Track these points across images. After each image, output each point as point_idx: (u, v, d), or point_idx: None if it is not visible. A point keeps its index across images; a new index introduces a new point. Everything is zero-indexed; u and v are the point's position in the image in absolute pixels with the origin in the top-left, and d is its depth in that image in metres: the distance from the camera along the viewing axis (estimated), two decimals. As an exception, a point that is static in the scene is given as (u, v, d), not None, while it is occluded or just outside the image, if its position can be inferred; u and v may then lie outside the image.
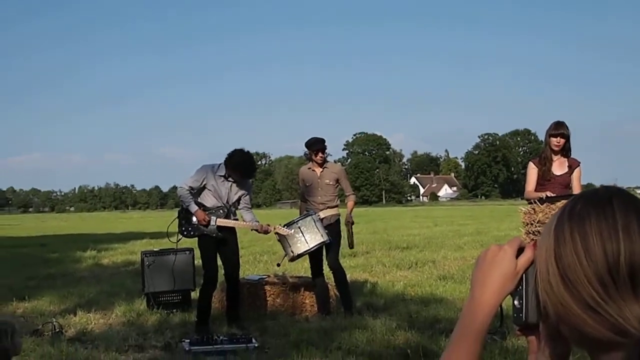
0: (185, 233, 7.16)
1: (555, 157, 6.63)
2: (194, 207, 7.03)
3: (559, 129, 6.56)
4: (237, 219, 7.33)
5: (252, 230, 7.36)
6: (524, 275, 1.10)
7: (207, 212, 7.07)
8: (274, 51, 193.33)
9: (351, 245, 7.98)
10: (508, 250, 1.11)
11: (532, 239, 6.07)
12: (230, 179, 7.15)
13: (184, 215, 7.14)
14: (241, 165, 7.10)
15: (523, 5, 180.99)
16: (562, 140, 6.55)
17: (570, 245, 1.00)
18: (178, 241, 7.40)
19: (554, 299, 1.02)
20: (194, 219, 7.06)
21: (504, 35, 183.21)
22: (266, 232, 7.25)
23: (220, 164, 7.16)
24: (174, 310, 8.05)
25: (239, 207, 7.30)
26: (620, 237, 0.97)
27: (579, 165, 6.66)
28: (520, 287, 1.10)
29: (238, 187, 7.24)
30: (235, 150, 7.13)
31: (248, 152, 7.20)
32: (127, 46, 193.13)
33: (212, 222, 7.05)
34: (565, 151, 6.63)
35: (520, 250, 1.12)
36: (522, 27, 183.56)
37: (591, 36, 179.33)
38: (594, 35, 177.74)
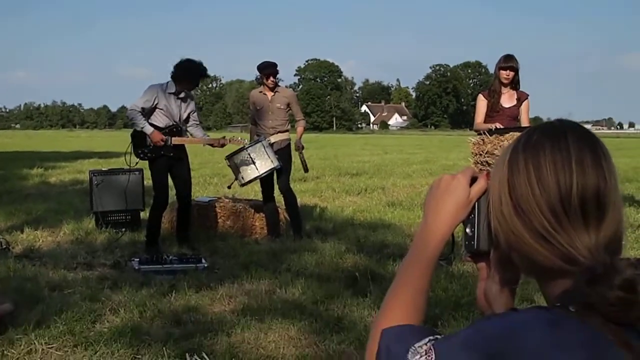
0: (142, 156, 6.98)
1: (504, 90, 6.71)
2: (149, 129, 6.84)
3: (508, 61, 6.63)
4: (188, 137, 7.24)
5: (205, 145, 7.32)
6: (476, 204, 1.11)
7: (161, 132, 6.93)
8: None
9: (306, 169, 7.99)
10: (462, 179, 1.12)
11: (481, 169, 6.17)
12: (180, 94, 7.01)
13: (139, 138, 6.96)
14: (191, 71, 6.97)
15: None
16: (511, 73, 6.61)
17: (524, 175, 1.01)
18: (136, 164, 7.22)
19: (506, 227, 1.03)
20: (149, 140, 6.90)
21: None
22: (222, 145, 7.18)
23: (168, 82, 7.00)
24: (123, 230, 7.99)
25: (188, 124, 7.21)
26: (573, 169, 0.98)
27: (527, 98, 6.77)
28: (472, 216, 1.11)
29: (186, 104, 7.14)
30: (181, 59, 6.99)
31: (194, 59, 7.05)
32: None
33: (168, 142, 6.92)
34: (514, 84, 6.71)
35: (473, 180, 1.13)
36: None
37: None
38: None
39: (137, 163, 7.13)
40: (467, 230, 1.12)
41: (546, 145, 1.01)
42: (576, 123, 1.06)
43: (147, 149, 6.93)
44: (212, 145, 7.21)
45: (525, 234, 1.00)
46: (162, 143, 6.86)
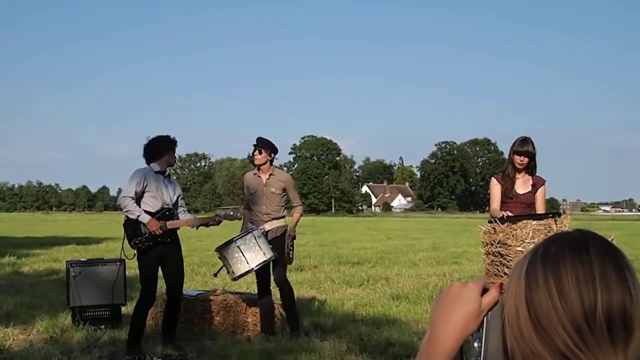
0: (140, 246, 6.94)
1: (518, 175, 6.74)
2: (145, 217, 6.87)
3: (523, 146, 6.66)
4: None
5: (197, 227, 7.38)
6: (485, 317, 1.12)
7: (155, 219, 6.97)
8: (215, 37, 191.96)
9: (289, 261, 7.85)
10: (473, 289, 1.13)
11: (492, 260, 6.19)
12: (166, 173, 7.12)
13: (132, 226, 6.96)
14: (165, 143, 7.12)
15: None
16: (526, 160, 6.65)
17: (545, 290, 1.02)
18: (133, 256, 7.11)
19: (524, 345, 1.04)
20: (144, 229, 6.89)
21: (463, 46, 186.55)
22: (218, 222, 7.22)
23: (151, 164, 7.12)
24: (102, 327, 7.91)
25: (177, 211, 7.27)
26: (597, 285, 0.99)
27: (543, 184, 6.78)
28: (480, 329, 1.11)
29: (174, 185, 7.26)
30: (149, 139, 7.16)
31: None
32: (60, 36, 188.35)
33: (164, 228, 6.95)
34: (529, 169, 6.74)
35: (484, 291, 1.13)
36: (481, 39, 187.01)
37: (555, 52, 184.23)
38: (556, 50, 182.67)
39: (134, 255, 7.05)
40: (475, 344, 1.12)
41: (567, 258, 1.02)
42: (596, 233, 1.08)
43: (143, 238, 6.93)
44: (206, 224, 7.25)
45: (546, 353, 1.01)
46: (161, 231, 6.89)
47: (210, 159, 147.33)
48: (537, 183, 6.76)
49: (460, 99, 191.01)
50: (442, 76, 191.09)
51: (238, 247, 7.31)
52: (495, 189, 6.79)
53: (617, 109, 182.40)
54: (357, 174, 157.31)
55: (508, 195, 6.69)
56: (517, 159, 6.66)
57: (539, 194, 6.77)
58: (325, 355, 6.60)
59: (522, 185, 6.75)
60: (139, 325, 7.00)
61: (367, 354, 6.68)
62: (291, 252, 7.81)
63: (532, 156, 6.68)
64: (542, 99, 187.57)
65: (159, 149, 7.10)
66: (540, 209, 6.74)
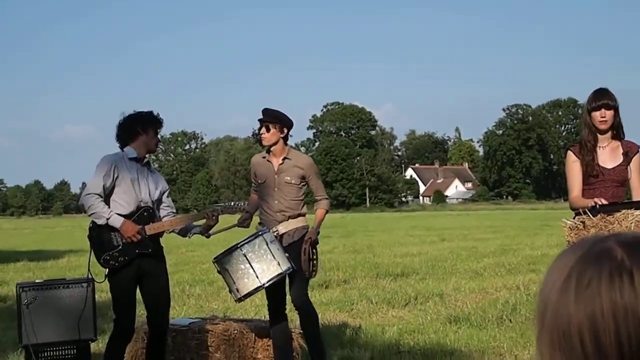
0: (112, 263, 6.91)
1: (602, 142, 6.56)
2: (117, 219, 6.81)
3: (601, 98, 6.50)
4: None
5: (190, 235, 7.37)
6: None
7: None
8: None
9: (309, 274, 7.72)
10: None
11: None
12: (144, 160, 7.14)
13: (101, 237, 6.94)
14: (144, 120, 7.12)
15: None
16: (609, 113, 6.46)
17: None
18: (105, 278, 7.12)
19: None
20: (118, 237, 6.88)
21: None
22: (215, 217, 7.22)
23: (123, 148, 7.08)
24: (67, 370, 8.00)
25: (161, 213, 7.25)
26: None
27: (638, 151, 6.61)
28: None
29: (155, 176, 7.27)
30: (123, 118, 7.16)
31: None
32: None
33: (142, 233, 6.89)
34: (615, 130, 6.58)
35: None
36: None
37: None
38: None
39: (106, 276, 7.06)
40: None
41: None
42: None
43: (116, 252, 6.88)
44: (201, 233, 7.30)
45: None
46: (139, 237, 6.83)
47: (202, 139, 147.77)
48: (631, 150, 6.59)
49: (534, 44, 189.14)
50: (508, 13, 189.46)
51: (244, 255, 7.22)
52: (573, 166, 6.58)
53: None
54: (399, 153, 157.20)
55: (591, 172, 6.45)
56: (597, 115, 6.46)
57: (634, 165, 6.58)
58: (362, 400, 6.65)
59: (610, 155, 6.55)
60: (113, 366, 7.08)
61: (416, 398, 6.72)
62: (314, 262, 7.78)
63: (615, 109, 6.51)
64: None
65: (135, 127, 7.05)
66: (636, 186, 6.55)
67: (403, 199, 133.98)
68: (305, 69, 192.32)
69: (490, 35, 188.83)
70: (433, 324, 10.48)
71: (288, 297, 7.75)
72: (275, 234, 7.46)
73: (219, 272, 7.51)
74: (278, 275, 7.28)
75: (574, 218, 6.20)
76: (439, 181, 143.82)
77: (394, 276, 16.41)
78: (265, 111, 7.69)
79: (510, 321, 10.33)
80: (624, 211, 5.87)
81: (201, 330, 8.18)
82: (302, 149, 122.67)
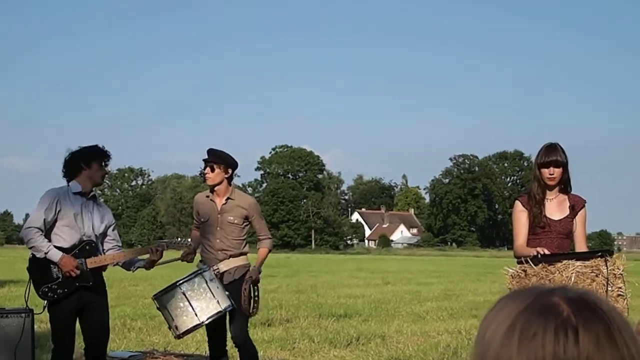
0: (50, 295, 6.86)
1: (550, 195, 6.66)
2: (56, 254, 6.79)
3: (550, 154, 6.57)
4: None
5: (134, 269, 7.32)
6: None
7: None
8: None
9: (250, 312, 7.79)
10: None
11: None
12: (90, 195, 7.10)
13: (41, 270, 6.89)
14: (91, 155, 7.09)
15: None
16: (557, 170, 6.55)
17: None
18: (44, 309, 7.07)
19: None
20: (56, 271, 6.83)
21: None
22: (159, 252, 7.19)
23: (69, 183, 7.07)
24: (2, 402, 7.86)
25: (106, 246, 7.23)
26: None
27: (584, 206, 6.71)
28: None
29: (101, 210, 7.24)
30: (70, 153, 7.14)
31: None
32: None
33: (83, 267, 6.86)
34: (563, 185, 6.69)
35: None
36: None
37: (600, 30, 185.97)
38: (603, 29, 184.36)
39: (45, 307, 7.00)
40: None
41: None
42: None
43: (55, 284, 6.84)
44: (146, 266, 7.24)
45: None
46: (77, 272, 6.79)
47: (149, 175, 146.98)
48: (577, 204, 6.69)
49: (482, 102, 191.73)
50: (459, 74, 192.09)
51: (183, 293, 7.28)
52: (520, 216, 6.67)
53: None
54: (346, 197, 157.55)
55: (538, 223, 6.55)
56: (546, 172, 6.54)
57: (579, 219, 6.68)
58: None
59: (557, 208, 6.65)
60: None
61: None
62: (255, 300, 7.79)
63: (564, 165, 6.60)
64: (587, 103, 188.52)
65: (79, 162, 7.05)
66: (580, 238, 6.69)
67: (348, 241, 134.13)
68: (254, 110, 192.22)
69: (439, 85, 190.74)
70: (374, 365, 10.48)
71: (228, 334, 7.72)
72: (215, 272, 7.52)
73: (158, 309, 7.54)
74: (217, 313, 7.34)
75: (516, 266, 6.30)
76: (384, 226, 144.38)
77: (336, 317, 16.37)
78: (210, 151, 7.77)
79: (451, 364, 10.39)
80: (565, 262, 6.00)
81: (141, 364, 8.11)
82: (249, 189, 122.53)
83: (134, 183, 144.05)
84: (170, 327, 7.45)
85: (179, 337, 7.49)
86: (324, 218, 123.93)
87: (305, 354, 11.48)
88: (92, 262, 6.93)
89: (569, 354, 1.14)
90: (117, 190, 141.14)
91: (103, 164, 7.19)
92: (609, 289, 5.88)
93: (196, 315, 7.27)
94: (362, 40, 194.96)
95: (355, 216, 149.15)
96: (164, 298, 7.37)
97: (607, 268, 5.90)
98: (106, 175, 7.53)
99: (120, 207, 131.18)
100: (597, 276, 5.93)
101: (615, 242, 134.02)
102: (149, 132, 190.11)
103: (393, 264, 55.00)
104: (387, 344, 12.60)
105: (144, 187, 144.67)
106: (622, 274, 6.00)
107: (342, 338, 12.95)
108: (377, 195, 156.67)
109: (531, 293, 1.25)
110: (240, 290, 7.53)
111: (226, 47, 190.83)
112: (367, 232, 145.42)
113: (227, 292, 7.37)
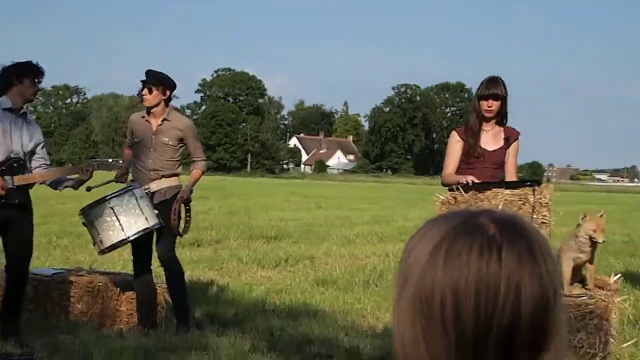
0: None
1: (486, 126, 6.78)
2: None
3: (491, 87, 6.69)
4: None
5: (62, 187, 7.24)
6: None
7: None
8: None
9: (178, 232, 7.78)
10: None
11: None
12: (21, 111, 6.98)
13: None
14: (23, 71, 6.96)
15: None
16: (495, 103, 6.67)
17: None
18: None
19: None
20: None
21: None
22: (89, 172, 7.08)
23: (0, 99, 6.93)
24: None
25: (33, 164, 7.15)
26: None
27: (517, 138, 6.87)
28: None
29: (31, 128, 7.13)
30: (2, 69, 7.00)
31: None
32: None
33: (9, 183, 6.79)
34: (500, 118, 6.81)
35: None
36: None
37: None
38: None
39: None
40: None
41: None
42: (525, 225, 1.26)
43: None
44: (73, 186, 7.16)
45: None
46: (2, 193, 6.72)
47: (85, 94, 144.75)
48: (511, 136, 6.84)
49: (427, 31, 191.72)
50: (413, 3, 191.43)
51: (112, 208, 7.22)
52: (455, 146, 6.83)
53: (620, 55, 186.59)
54: (286, 122, 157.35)
55: (473, 153, 6.70)
56: (484, 104, 6.68)
57: (512, 150, 6.86)
58: (222, 354, 6.65)
59: (492, 139, 6.80)
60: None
61: (277, 353, 6.77)
62: (185, 220, 7.80)
63: (502, 99, 6.71)
64: (531, 38, 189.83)
65: (10, 77, 6.92)
66: (511, 168, 6.86)
67: (284, 166, 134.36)
68: (200, 30, 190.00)
69: (389, 14, 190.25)
70: (301, 285, 10.61)
71: (155, 253, 7.73)
72: (146, 191, 7.48)
73: (84, 224, 7.50)
74: (144, 229, 7.33)
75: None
76: (322, 151, 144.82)
77: (267, 239, 16.53)
78: (149, 73, 7.70)
79: (376, 286, 10.59)
80: (494, 190, 6.23)
81: (64, 281, 8.09)
82: (188, 111, 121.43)
83: (68, 101, 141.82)
84: (95, 243, 7.41)
85: (102, 252, 7.45)
86: (261, 142, 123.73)
87: (233, 273, 11.57)
88: (19, 180, 6.85)
89: (491, 271, 1.17)
90: (51, 107, 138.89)
91: (36, 80, 7.07)
92: (534, 216, 6.07)
93: (122, 230, 7.24)
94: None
95: (294, 141, 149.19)
96: (91, 212, 7.31)
97: (534, 197, 6.15)
98: (39, 92, 7.40)
99: (52, 125, 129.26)
100: (524, 204, 6.18)
101: (546, 173, 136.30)
102: (86, 50, 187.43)
103: (328, 189, 55.32)
104: (316, 265, 12.75)
105: (78, 105, 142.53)
106: (547, 203, 6.24)
107: (270, 259, 13.08)
108: (317, 121, 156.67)
109: (459, 215, 1.28)
110: (170, 211, 7.52)
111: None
112: (304, 157, 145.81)
113: (156, 211, 7.35)
